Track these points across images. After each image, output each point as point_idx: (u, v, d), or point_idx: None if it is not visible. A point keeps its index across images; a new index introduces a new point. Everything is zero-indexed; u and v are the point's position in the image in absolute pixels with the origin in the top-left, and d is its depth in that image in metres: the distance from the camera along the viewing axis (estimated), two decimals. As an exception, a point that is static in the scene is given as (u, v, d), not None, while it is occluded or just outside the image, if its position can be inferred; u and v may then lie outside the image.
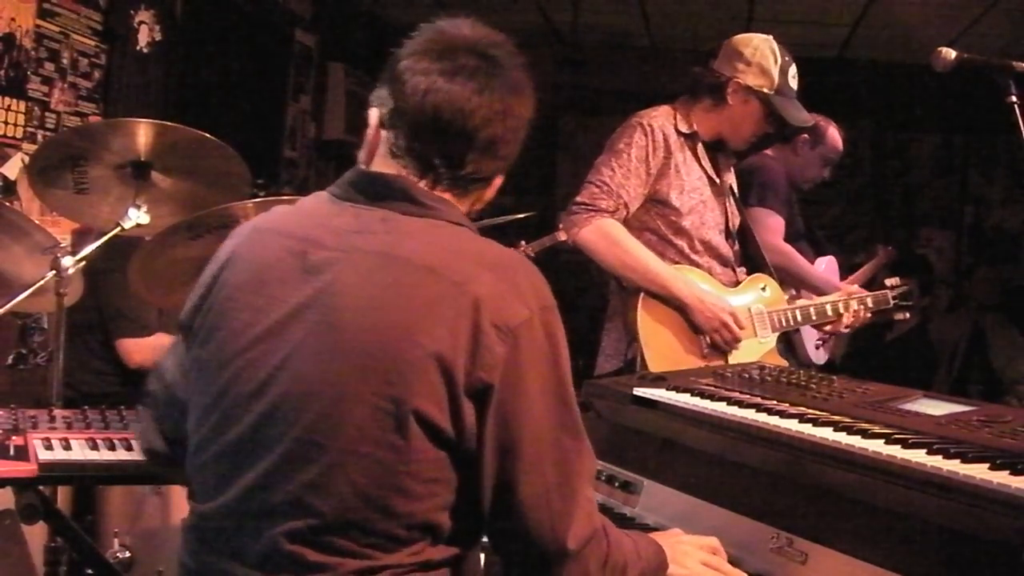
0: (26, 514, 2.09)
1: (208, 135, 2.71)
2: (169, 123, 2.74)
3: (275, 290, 1.41)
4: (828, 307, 3.23)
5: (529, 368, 1.34)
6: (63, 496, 2.50)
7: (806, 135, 3.88)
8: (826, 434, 1.60)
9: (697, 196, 3.03)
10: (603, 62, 7.58)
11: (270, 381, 1.37)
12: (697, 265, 3.02)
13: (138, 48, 4.66)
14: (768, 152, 3.93)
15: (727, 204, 3.17)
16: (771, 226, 3.70)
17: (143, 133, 2.66)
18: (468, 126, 1.42)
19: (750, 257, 3.27)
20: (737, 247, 3.21)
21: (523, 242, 4.78)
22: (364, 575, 1.34)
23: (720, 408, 1.82)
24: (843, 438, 1.57)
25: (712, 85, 3.02)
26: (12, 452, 2.01)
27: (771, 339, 3.08)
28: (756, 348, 3.02)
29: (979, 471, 1.38)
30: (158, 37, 4.78)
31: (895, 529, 1.44)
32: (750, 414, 1.76)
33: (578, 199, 2.94)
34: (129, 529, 2.55)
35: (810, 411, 1.73)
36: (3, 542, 2.32)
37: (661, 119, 3.01)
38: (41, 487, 2.11)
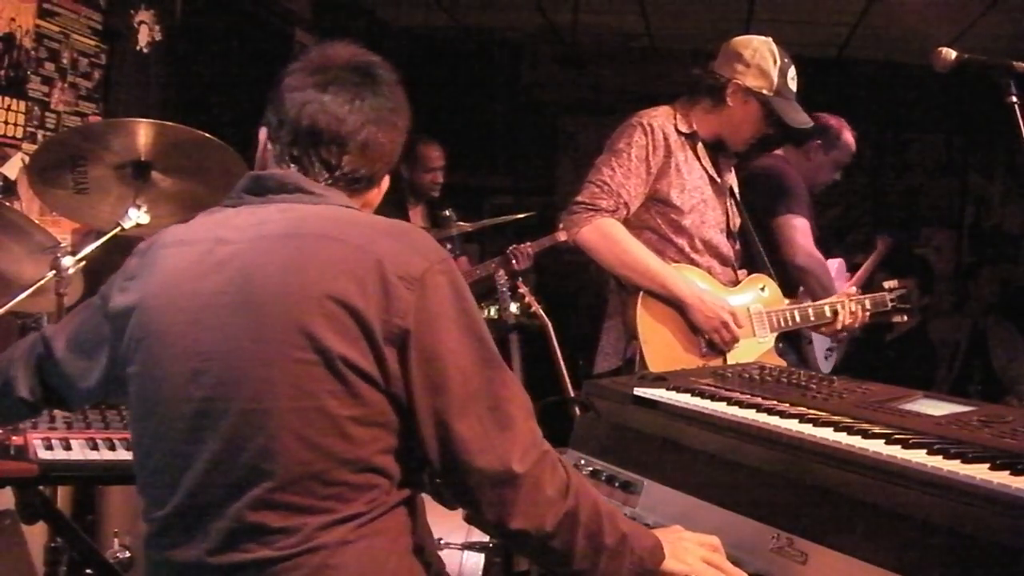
0: (26, 514, 2.09)
1: (208, 135, 2.71)
2: (169, 123, 2.74)
3: (190, 287, 1.48)
4: (826, 308, 3.23)
5: (439, 310, 1.43)
6: (63, 496, 2.50)
7: (820, 140, 3.89)
8: (826, 434, 1.60)
9: (698, 195, 3.03)
10: (603, 62, 7.58)
11: (203, 368, 1.43)
12: (697, 264, 3.02)
13: (138, 48, 4.66)
14: (779, 153, 3.94)
15: (727, 204, 3.17)
16: (801, 228, 3.71)
17: (143, 133, 2.66)
18: (342, 131, 1.53)
19: (750, 257, 3.28)
20: (738, 247, 3.21)
21: (527, 243, 4.78)
22: (328, 529, 1.39)
23: (720, 408, 1.82)
24: (843, 438, 1.57)
25: (711, 86, 3.03)
26: (12, 452, 2.01)
27: (769, 339, 3.08)
28: (754, 348, 3.02)
29: (979, 471, 1.38)
30: (158, 37, 4.77)
31: (895, 529, 1.44)
32: (750, 414, 1.76)
33: (578, 199, 2.96)
34: (129, 529, 2.55)
35: (810, 411, 1.73)
36: (3, 542, 2.32)
37: (661, 118, 3.02)
38: (41, 487, 2.11)
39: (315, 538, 1.39)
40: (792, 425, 1.67)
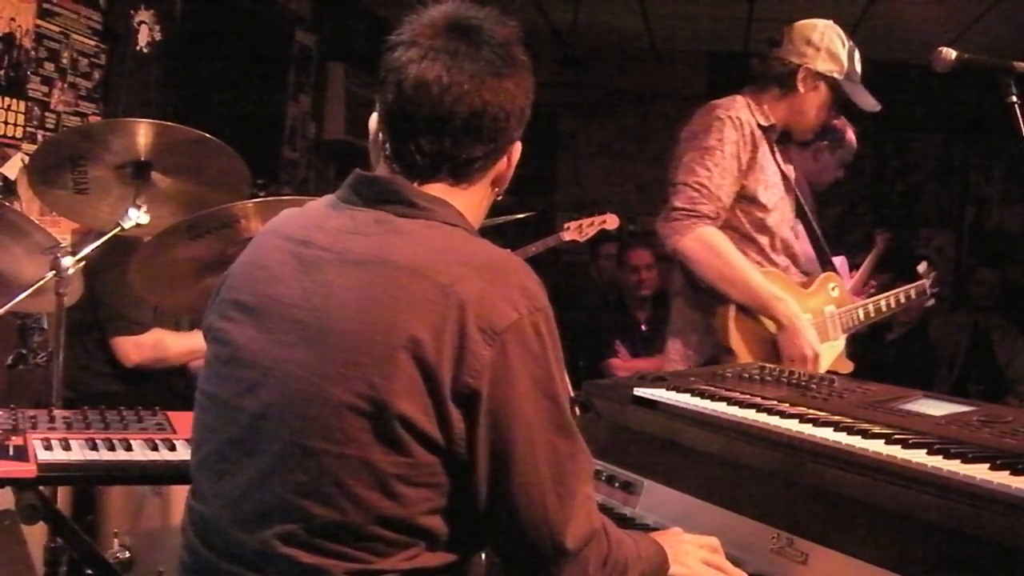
0: (26, 514, 2.08)
1: (208, 135, 2.71)
2: (169, 123, 2.74)
3: (268, 289, 1.43)
4: (883, 303, 3.16)
5: (518, 371, 1.32)
6: (63, 496, 2.50)
7: (827, 140, 3.87)
8: (826, 434, 1.60)
9: (778, 191, 2.92)
10: (603, 62, 7.58)
11: (262, 381, 1.38)
12: (775, 264, 2.91)
13: (138, 48, 4.66)
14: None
15: (793, 200, 3.07)
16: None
17: (143, 133, 2.66)
18: (439, 108, 1.39)
19: (814, 254, 3.19)
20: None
21: (532, 245, 4.80)
22: None
23: (720, 408, 1.82)
24: (843, 438, 1.57)
25: (781, 74, 2.90)
26: (12, 452, 2.01)
27: (841, 340, 2.99)
28: (829, 352, 2.92)
29: (979, 471, 1.38)
30: (158, 37, 4.77)
31: (895, 529, 1.44)
32: (750, 414, 1.76)
33: (676, 203, 2.79)
34: (129, 529, 2.55)
35: (810, 411, 1.73)
36: (3, 542, 2.31)
37: (745, 111, 2.87)
38: (41, 487, 2.11)
39: None
40: (792, 425, 1.67)
